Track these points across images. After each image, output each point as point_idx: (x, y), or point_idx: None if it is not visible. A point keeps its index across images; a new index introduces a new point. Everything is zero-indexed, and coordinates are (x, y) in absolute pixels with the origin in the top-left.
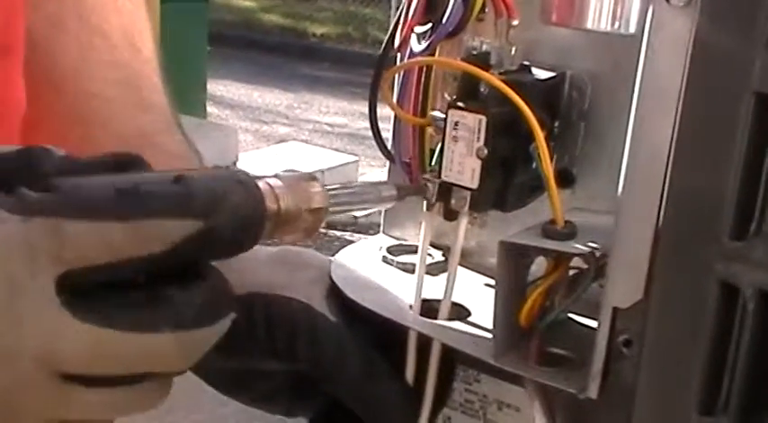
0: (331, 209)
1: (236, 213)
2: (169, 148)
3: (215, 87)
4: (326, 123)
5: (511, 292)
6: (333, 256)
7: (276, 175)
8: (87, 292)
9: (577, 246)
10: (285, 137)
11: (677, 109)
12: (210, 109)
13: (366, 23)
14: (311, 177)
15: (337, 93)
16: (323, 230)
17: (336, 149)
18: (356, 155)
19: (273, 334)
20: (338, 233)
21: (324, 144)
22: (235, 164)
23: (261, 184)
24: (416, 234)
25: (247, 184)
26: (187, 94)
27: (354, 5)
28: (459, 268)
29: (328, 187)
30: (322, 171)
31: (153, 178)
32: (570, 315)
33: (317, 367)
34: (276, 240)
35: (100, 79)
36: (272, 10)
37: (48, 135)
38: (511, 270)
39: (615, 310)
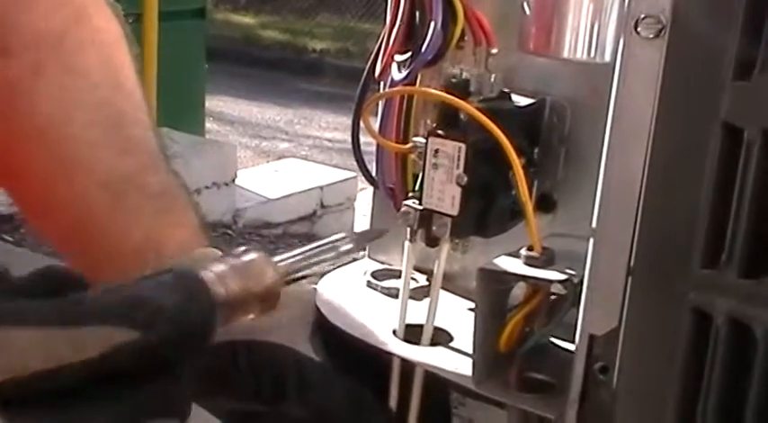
0: (287, 278)
1: (178, 322)
2: (153, 189)
3: (215, 103)
4: (326, 139)
5: (490, 318)
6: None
7: (223, 259)
8: (24, 400)
9: (555, 272)
10: (285, 152)
11: (649, 139)
12: (210, 125)
13: (365, 39)
14: (260, 256)
15: (337, 108)
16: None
17: (336, 165)
18: (355, 171)
19: (260, 380)
20: None
21: (324, 159)
22: (233, 181)
23: (206, 274)
24: (401, 259)
25: (192, 284)
26: (185, 112)
27: (353, 21)
28: (444, 293)
29: (281, 258)
30: (321, 187)
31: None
32: (552, 339)
33: (306, 409)
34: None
35: (82, 122)
36: (271, 26)
37: (34, 183)
38: (490, 296)
39: (591, 337)
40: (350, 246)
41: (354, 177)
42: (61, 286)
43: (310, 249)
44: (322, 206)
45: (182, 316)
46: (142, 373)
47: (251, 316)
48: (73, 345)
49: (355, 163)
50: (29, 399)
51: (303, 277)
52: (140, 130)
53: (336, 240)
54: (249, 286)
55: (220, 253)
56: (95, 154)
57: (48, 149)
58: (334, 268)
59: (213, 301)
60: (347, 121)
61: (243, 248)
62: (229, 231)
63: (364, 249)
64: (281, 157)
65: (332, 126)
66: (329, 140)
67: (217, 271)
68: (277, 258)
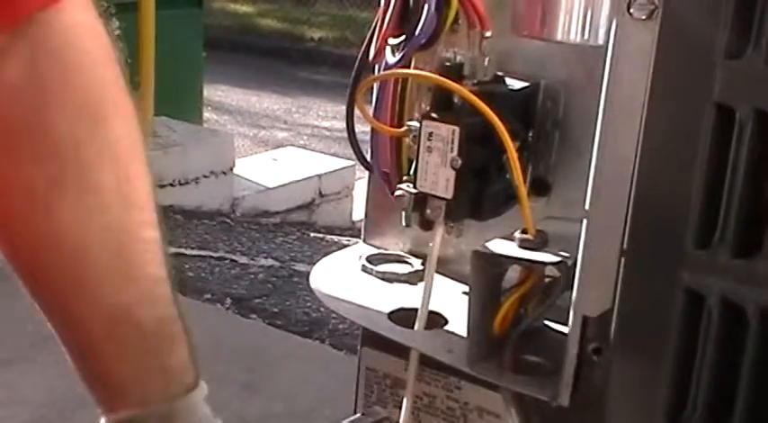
0: None
1: None
2: (147, 326)
3: (213, 93)
4: (324, 127)
5: (485, 300)
6: None
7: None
8: None
9: (549, 255)
10: (283, 141)
11: (641, 120)
12: (208, 114)
13: (363, 27)
14: None
15: (335, 97)
16: (320, 235)
17: (335, 153)
18: (353, 159)
19: None
20: (335, 238)
21: (322, 148)
22: (231, 169)
23: None
24: (396, 243)
25: None
26: (183, 101)
27: (352, 9)
28: (438, 276)
29: None
30: (319, 176)
31: None
32: (546, 322)
33: None
34: None
35: (94, 245)
36: (269, 14)
37: (46, 292)
38: (484, 279)
39: (585, 318)
40: None
41: (352, 166)
42: None
43: None
44: (320, 195)
45: None
46: None
47: None
48: None
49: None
50: None
51: None
52: (147, 255)
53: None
54: None
55: (204, 392)
56: (101, 280)
57: (62, 265)
58: None
59: None
60: None
61: None
62: (228, 220)
63: None
64: (280, 145)
65: (330, 115)
66: (327, 129)
67: None
68: None
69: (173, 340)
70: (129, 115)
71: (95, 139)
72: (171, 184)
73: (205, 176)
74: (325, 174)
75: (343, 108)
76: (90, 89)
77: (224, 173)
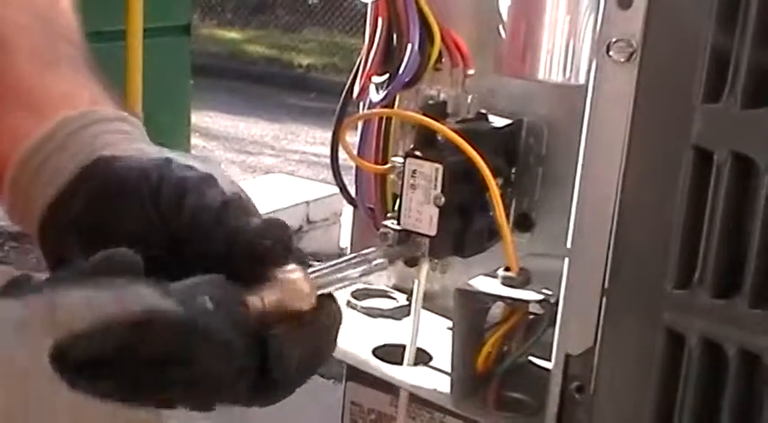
0: (320, 291)
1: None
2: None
3: (201, 119)
4: (313, 154)
5: (468, 337)
6: None
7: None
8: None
9: (532, 293)
10: (272, 168)
11: (622, 160)
12: (196, 141)
13: (352, 54)
14: (296, 269)
15: (324, 123)
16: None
17: (324, 180)
18: None
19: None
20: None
21: (310, 175)
22: None
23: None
24: (381, 278)
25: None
26: (171, 128)
27: (340, 36)
28: (424, 312)
29: (314, 270)
30: (307, 202)
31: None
32: (531, 358)
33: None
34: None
35: (16, 6)
36: (257, 41)
37: None
38: (467, 316)
39: (567, 356)
40: (381, 259)
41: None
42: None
43: (342, 262)
44: (308, 221)
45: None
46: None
47: (286, 328)
48: (117, 301)
49: (343, 178)
50: (83, 362)
51: (335, 290)
52: (70, 32)
53: (367, 254)
54: (285, 299)
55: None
56: (28, 37)
57: None
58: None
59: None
60: None
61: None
62: None
63: (394, 264)
64: (268, 172)
65: (318, 141)
66: (315, 155)
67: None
68: (310, 271)
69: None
70: None
71: None
72: None
73: None
74: (313, 200)
75: (331, 134)
76: None
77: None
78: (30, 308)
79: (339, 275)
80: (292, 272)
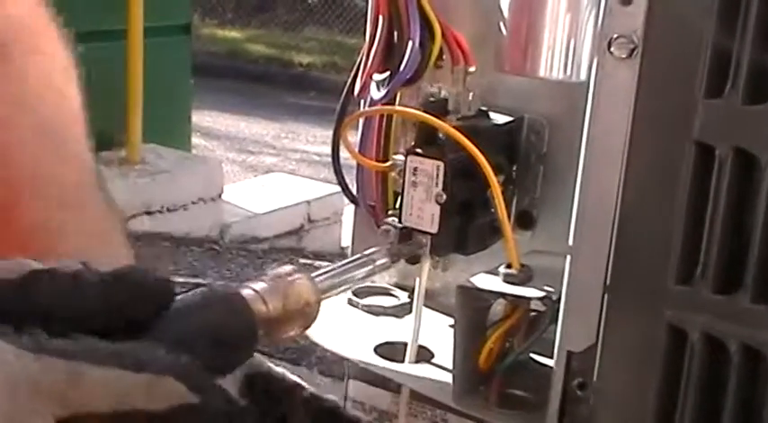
0: (325, 296)
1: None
2: (90, 211)
3: (201, 118)
4: (314, 153)
5: (469, 335)
6: None
7: (261, 278)
8: None
9: (534, 290)
10: (272, 167)
11: (624, 157)
12: (197, 140)
13: (352, 52)
14: (299, 274)
15: (324, 122)
16: (309, 261)
17: (324, 179)
18: None
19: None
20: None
21: (311, 174)
22: (220, 196)
23: (247, 292)
24: (382, 276)
25: (232, 302)
26: (172, 127)
27: (340, 35)
28: (425, 309)
29: (318, 274)
30: (308, 202)
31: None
32: (532, 355)
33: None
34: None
35: (27, 126)
36: (258, 40)
37: None
38: (469, 314)
39: (569, 353)
40: (385, 259)
41: (341, 192)
42: (139, 294)
43: (346, 264)
44: (309, 220)
45: (224, 335)
46: None
47: (291, 333)
48: (147, 392)
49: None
50: None
51: (341, 292)
52: (79, 146)
53: (371, 254)
54: (289, 304)
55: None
56: (38, 165)
57: None
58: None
59: (254, 319)
60: None
61: (287, 268)
62: (216, 246)
63: (397, 262)
64: (268, 171)
65: (319, 140)
66: (316, 154)
67: (258, 289)
68: (314, 275)
69: (115, 232)
70: (57, 38)
71: (19, 43)
72: (159, 211)
73: (193, 203)
74: (314, 199)
75: (332, 133)
76: None
77: (212, 199)
78: (45, 371)
79: (344, 277)
80: (289, 272)
